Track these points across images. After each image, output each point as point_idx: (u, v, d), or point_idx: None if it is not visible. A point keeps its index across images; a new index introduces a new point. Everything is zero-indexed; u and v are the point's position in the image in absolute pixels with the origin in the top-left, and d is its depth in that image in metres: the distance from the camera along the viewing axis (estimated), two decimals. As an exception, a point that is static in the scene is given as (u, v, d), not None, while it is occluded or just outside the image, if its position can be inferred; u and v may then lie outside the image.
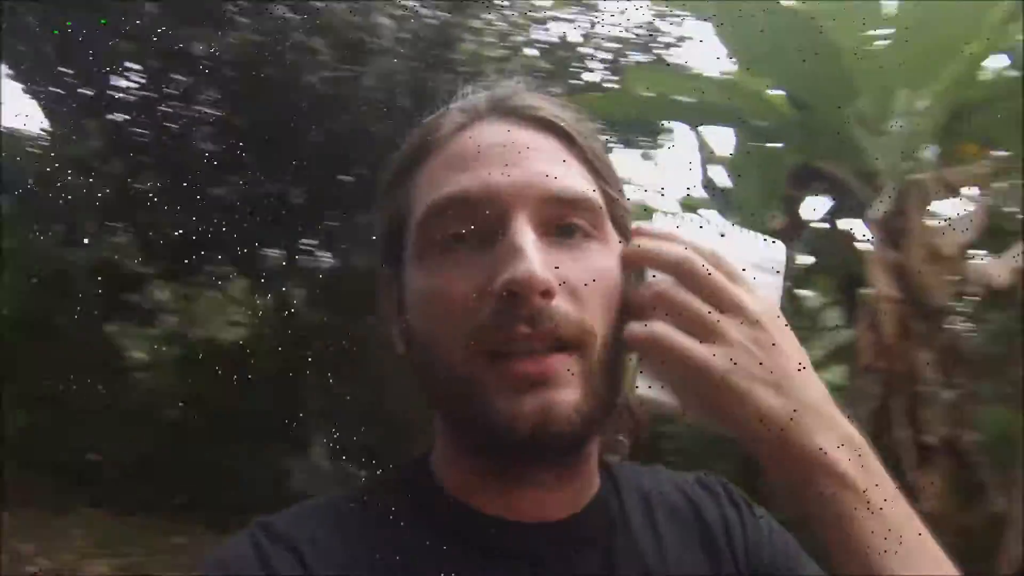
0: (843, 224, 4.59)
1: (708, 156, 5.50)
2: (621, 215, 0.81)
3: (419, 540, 0.75)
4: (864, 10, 4.15)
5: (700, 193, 5.69)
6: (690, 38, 7.08)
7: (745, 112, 4.51)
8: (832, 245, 4.59)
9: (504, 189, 0.74)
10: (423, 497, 0.80)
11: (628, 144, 7.40)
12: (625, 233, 0.81)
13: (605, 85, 6.91)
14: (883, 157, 4.01)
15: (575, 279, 0.73)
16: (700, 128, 5.37)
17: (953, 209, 3.70)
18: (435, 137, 0.81)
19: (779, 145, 4.58)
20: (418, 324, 0.77)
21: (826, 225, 4.59)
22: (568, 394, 0.70)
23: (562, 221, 0.75)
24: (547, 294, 0.70)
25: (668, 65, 6.80)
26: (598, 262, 0.75)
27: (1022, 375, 3.41)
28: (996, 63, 4.49)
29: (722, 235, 0.79)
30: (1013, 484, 3.33)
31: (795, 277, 4.68)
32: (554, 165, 0.77)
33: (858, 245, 4.26)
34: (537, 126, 0.80)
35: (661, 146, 7.51)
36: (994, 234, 3.69)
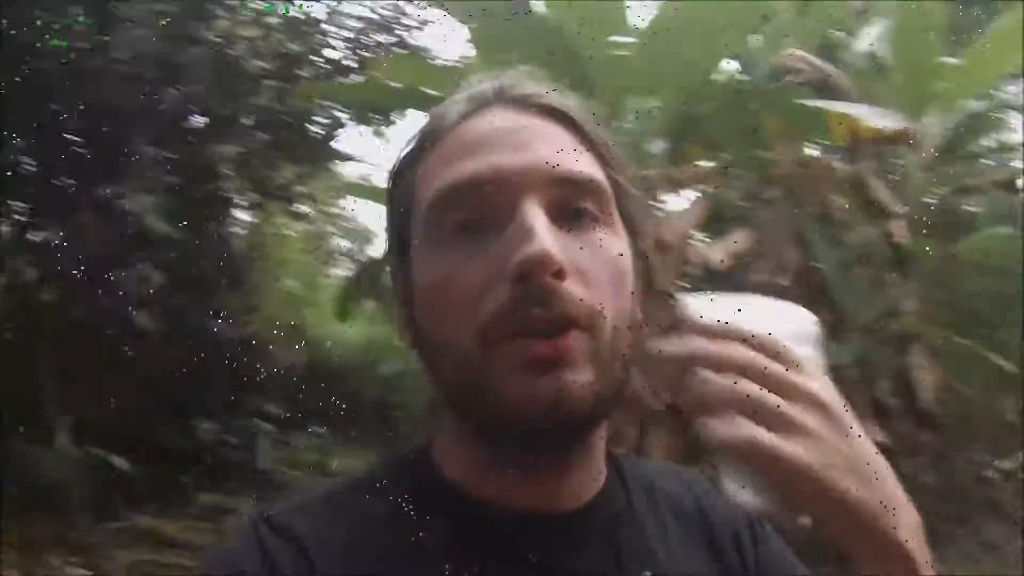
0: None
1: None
2: (628, 203, 0.81)
3: (425, 533, 0.74)
4: (611, 18, 4.41)
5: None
6: (433, 22, 7.12)
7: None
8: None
9: (513, 172, 0.73)
10: (427, 489, 0.78)
11: (361, 120, 7.49)
12: (632, 220, 0.81)
13: (346, 63, 6.93)
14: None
15: (584, 262, 0.72)
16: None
17: (679, 202, 4.02)
18: (441, 125, 0.80)
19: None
20: (428, 313, 0.75)
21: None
22: (581, 374, 0.69)
23: (571, 204, 0.74)
24: (559, 274, 0.69)
25: (411, 50, 6.87)
26: (606, 246, 0.75)
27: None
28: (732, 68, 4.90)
29: (739, 310, 0.73)
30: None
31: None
32: (562, 149, 0.76)
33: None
34: (543, 113, 0.79)
35: (393, 123, 7.56)
36: (716, 222, 4.04)
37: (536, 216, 0.70)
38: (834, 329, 4.04)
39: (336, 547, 0.73)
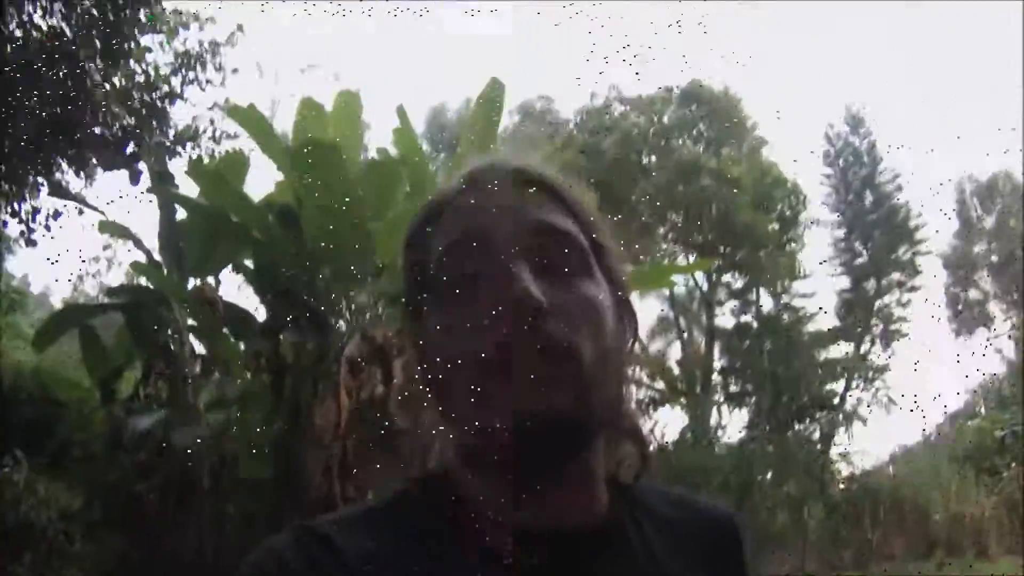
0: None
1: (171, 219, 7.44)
2: (607, 258, 0.92)
3: (447, 551, 0.82)
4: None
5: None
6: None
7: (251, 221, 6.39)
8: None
9: (499, 230, 0.85)
10: (448, 510, 0.85)
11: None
12: (612, 273, 0.91)
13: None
14: (348, 308, 6.17)
15: (563, 304, 0.81)
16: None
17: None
18: (444, 199, 0.92)
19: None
20: (435, 352, 0.84)
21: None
22: (560, 399, 0.78)
23: (551, 255, 0.85)
24: (539, 312, 0.78)
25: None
26: (583, 291, 0.85)
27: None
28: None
29: None
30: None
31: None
32: (542, 210, 0.88)
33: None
34: (529, 183, 0.90)
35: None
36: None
37: (519, 266, 0.81)
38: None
39: (370, 560, 0.80)
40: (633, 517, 0.92)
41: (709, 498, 1.06)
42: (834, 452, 19.72)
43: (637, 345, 0.96)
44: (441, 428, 0.89)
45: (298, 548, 0.80)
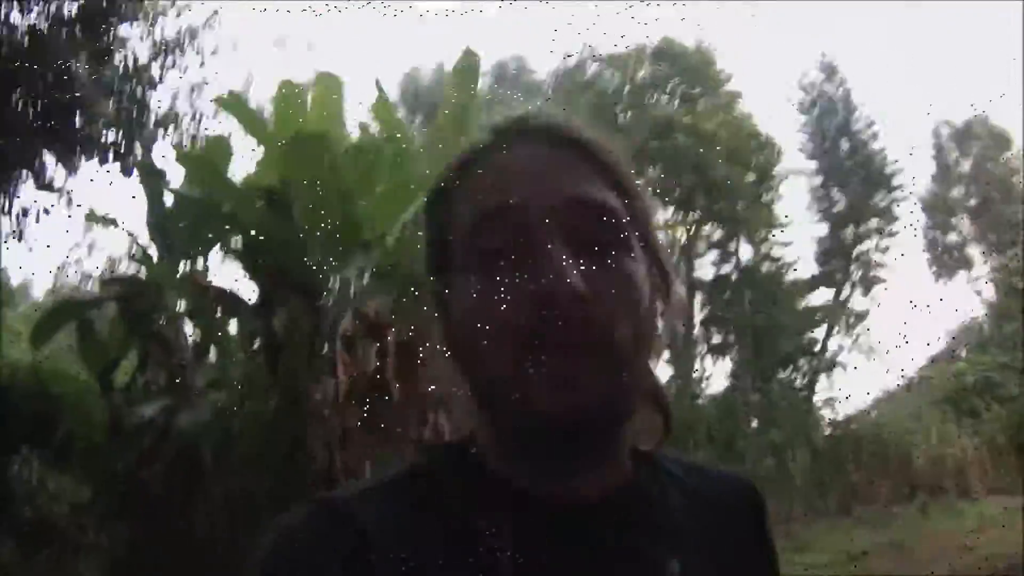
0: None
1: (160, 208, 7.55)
2: (646, 225, 0.87)
3: (470, 521, 0.80)
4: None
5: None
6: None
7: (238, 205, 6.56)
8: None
9: (534, 202, 0.80)
10: (473, 480, 0.84)
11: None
12: (649, 240, 0.87)
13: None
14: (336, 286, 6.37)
15: (602, 285, 0.77)
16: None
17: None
18: (470, 158, 0.87)
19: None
20: (466, 328, 0.81)
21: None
22: (598, 390, 0.76)
23: (588, 229, 0.80)
24: (579, 300, 0.75)
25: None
26: (622, 268, 0.81)
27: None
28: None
29: None
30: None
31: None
32: (579, 180, 0.82)
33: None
34: (562, 145, 0.85)
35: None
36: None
37: (558, 247, 0.77)
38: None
39: (391, 532, 0.78)
40: (660, 485, 0.92)
41: (720, 466, 1.07)
42: (817, 399, 20.35)
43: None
44: (466, 402, 0.87)
45: (315, 523, 0.79)
